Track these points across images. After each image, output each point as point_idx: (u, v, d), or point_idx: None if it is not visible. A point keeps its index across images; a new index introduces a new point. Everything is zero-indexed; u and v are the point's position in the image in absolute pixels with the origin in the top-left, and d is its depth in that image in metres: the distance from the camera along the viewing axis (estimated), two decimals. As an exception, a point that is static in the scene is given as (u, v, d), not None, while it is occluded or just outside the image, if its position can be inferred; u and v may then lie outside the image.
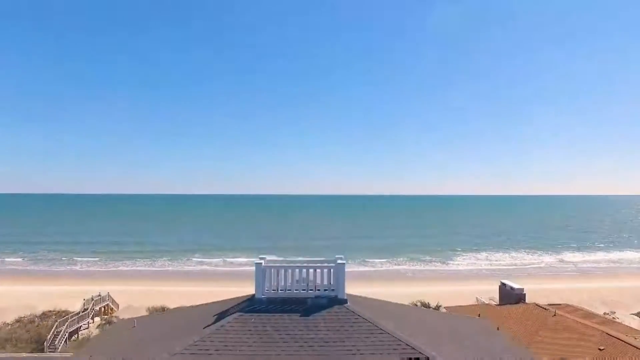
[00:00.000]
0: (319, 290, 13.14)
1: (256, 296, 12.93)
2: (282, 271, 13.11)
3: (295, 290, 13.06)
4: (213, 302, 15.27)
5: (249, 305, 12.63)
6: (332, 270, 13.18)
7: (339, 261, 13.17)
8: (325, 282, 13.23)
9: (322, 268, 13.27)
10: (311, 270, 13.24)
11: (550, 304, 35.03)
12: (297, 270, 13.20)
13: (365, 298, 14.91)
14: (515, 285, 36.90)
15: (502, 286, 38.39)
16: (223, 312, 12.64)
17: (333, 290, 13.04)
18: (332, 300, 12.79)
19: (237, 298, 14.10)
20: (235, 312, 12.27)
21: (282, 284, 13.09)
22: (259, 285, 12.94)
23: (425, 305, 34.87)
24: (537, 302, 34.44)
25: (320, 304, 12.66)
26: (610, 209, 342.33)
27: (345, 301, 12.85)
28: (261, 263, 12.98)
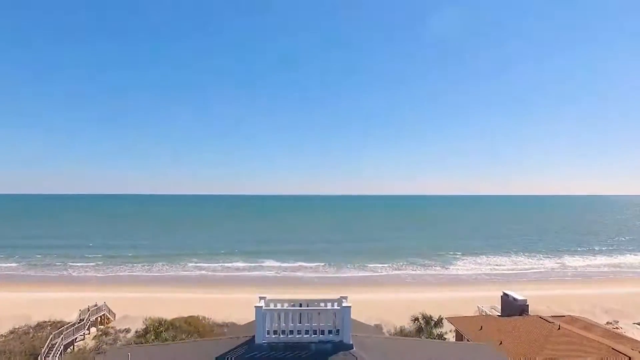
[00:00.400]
0: (322, 333, 12.36)
1: (256, 341, 12.12)
2: (284, 314, 12.31)
3: (298, 334, 12.28)
4: (209, 340, 14.47)
5: (249, 351, 11.83)
6: (336, 313, 12.42)
7: (344, 304, 12.38)
8: (330, 325, 12.43)
9: (326, 311, 12.46)
10: (315, 314, 12.41)
11: (554, 316, 34.45)
12: (299, 313, 12.37)
13: (373, 338, 14.12)
14: (518, 296, 36.27)
15: (505, 297, 37.75)
16: (220, 356, 11.86)
17: (338, 333, 12.27)
18: (337, 346, 12.01)
19: (236, 338, 13.29)
20: (233, 360, 11.52)
21: (284, 327, 12.27)
22: (259, 329, 12.12)
23: (427, 319, 34.16)
24: (540, 315, 33.86)
25: (324, 349, 11.88)
26: (612, 209, 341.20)
27: (351, 346, 12.06)
28: (261, 306, 12.20)
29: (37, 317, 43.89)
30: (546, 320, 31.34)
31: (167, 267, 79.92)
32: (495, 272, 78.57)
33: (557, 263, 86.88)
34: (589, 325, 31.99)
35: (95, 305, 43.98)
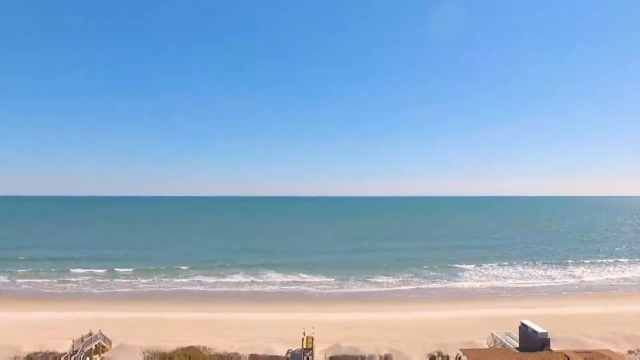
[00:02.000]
0: None
1: None
2: None
3: None
4: None
5: None
6: None
7: None
8: None
9: None
10: None
11: (577, 351, 32.47)
12: None
13: None
14: (539, 329, 34.41)
15: (523, 328, 35.93)
16: None
17: None
18: None
19: None
20: None
21: None
22: None
23: (445, 358, 31.89)
24: (564, 352, 31.85)
25: None
26: (621, 212, 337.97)
27: None
28: None
29: (27, 347, 41.33)
30: (572, 360, 29.45)
31: (166, 282, 77.26)
32: (502, 285, 76.52)
33: (566, 275, 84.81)
34: (617, 363, 30.04)
35: (90, 334, 41.50)
